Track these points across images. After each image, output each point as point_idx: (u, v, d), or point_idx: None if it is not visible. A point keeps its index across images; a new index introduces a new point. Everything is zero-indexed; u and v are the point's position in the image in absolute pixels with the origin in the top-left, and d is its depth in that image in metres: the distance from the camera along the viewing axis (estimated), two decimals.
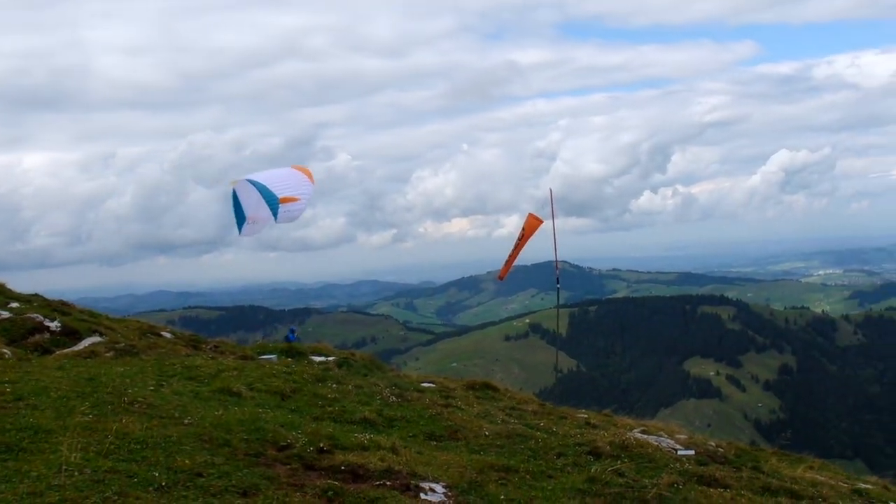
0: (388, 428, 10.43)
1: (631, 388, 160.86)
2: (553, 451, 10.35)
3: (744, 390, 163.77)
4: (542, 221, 17.75)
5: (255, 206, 15.08)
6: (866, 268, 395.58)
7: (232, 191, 15.31)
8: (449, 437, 10.47)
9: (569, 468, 9.73)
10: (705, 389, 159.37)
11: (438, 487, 8.01)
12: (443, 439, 10.37)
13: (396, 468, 8.10)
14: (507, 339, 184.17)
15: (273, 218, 14.65)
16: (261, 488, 7.02)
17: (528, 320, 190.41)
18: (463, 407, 12.66)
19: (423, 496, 7.68)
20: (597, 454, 10.40)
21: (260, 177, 15.47)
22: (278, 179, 15.15)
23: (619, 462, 10.04)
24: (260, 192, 14.64)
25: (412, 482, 7.91)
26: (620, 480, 9.16)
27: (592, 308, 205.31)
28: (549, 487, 8.80)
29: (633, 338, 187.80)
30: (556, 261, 19.24)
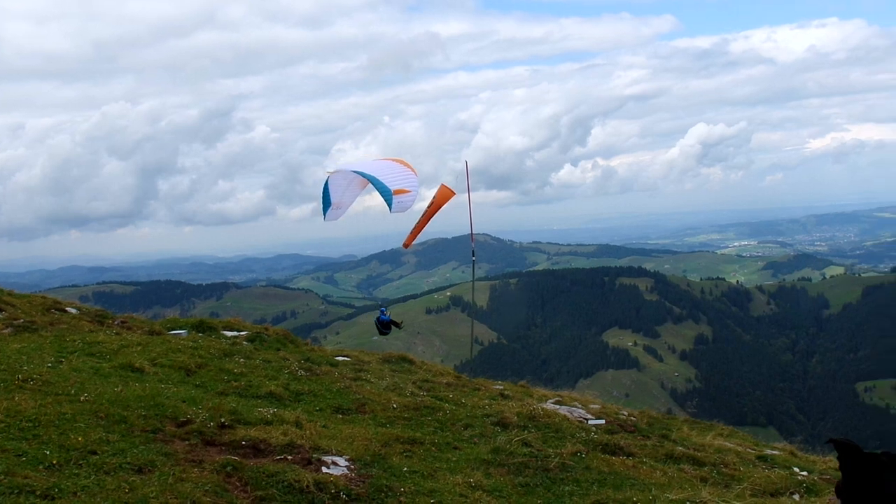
0: (295, 402, 10.32)
1: (551, 360, 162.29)
2: (460, 423, 10.37)
3: (661, 360, 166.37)
4: (454, 193, 17.63)
5: (340, 193, 16.09)
6: (780, 239, 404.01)
7: (326, 179, 16.19)
8: (356, 411, 10.41)
9: (475, 439, 9.76)
10: (623, 360, 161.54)
11: (341, 461, 7.96)
12: (350, 413, 10.30)
13: (299, 442, 8.02)
14: (429, 312, 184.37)
15: (388, 207, 15.27)
16: (157, 464, 6.88)
17: (449, 293, 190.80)
18: (372, 380, 12.61)
19: (325, 469, 7.61)
20: (504, 425, 10.45)
21: (367, 168, 16.10)
22: (388, 172, 15.72)
23: (525, 432, 10.11)
24: (372, 182, 15.38)
25: (314, 456, 7.84)
26: (525, 450, 9.21)
27: (513, 280, 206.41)
28: (454, 458, 8.81)
29: (554, 309, 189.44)
30: (472, 234, 19.23)
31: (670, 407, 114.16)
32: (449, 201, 18.23)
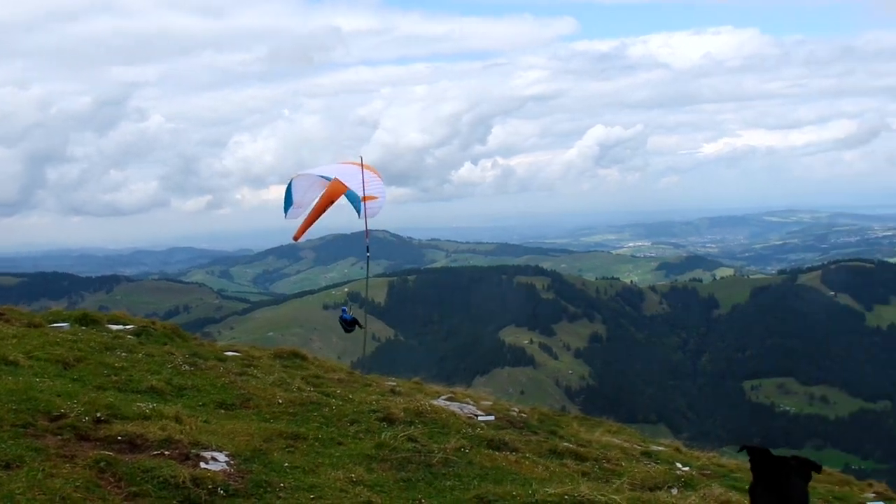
0: (177, 397, 10.11)
1: (448, 357, 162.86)
2: (346, 419, 10.31)
3: (556, 358, 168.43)
4: (346, 187, 17.49)
5: (302, 193, 16.54)
6: (673, 241, 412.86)
7: (290, 181, 16.69)
8: (240, 406, 10.27)
9: (360, 435, 9.71)
10: (520, 357, 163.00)
11: (221, 456, 7.83)
12: (233, 408, 10.16)
13: (177, 437, 7.86)
14: (326, 308, 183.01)
15: (357, 213, 15.97)
16: (26, 460, 6.67)
17: (347, 289, 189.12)
18: (259, 376, 12.44)
19: (203, 465, 7.47)
20: (391, 421, 10.42)
21: (335, 173, 16.53)
22: (356, 178, 16.20)
23: (412, 428, 10.09)
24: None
25: (193, 451, 7.69)
26: (410, 446, 9.20)
27: (412, 278, 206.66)
28: (338, 454, 8.75)
29: (451, 307, 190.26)
30: (366, 230, 19.10)
31: (564, 404, 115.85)
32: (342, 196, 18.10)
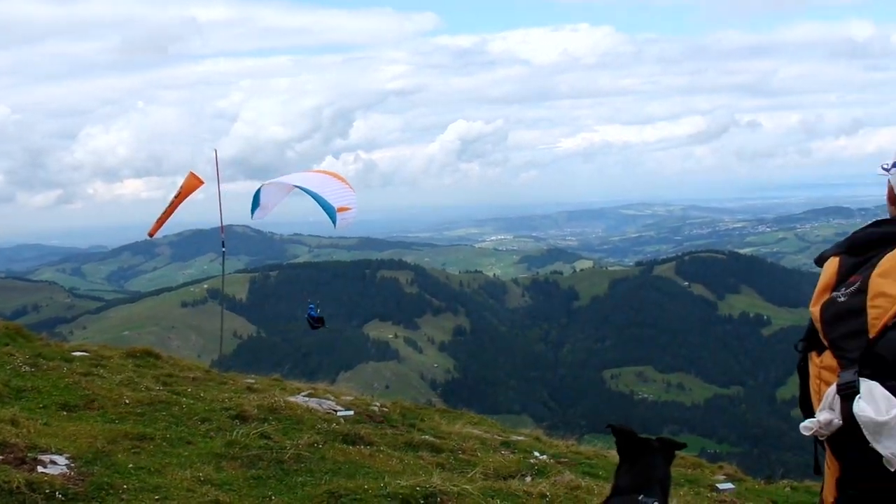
0: (15, 399, 9.69)
1: (312, 353, 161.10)
2: (197, 417, 10.07)
3: (421, 352, 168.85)
4: (202, 182, 17.14)
5: (269, 196, 16.88)
6: (534, 234, 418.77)
7: (259, 186, 16.97)
8: (84, 407, 9.90)
9: (211, 433, 9.50)
10: (384, 352, 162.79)
11: (61, 459, 7.53)
12: (77, 409, 9.79)
13: (13, 441, 7.52)
14: (185, 305, 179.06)
15: (333, 224, 16.34)
16: None
17: (206, 286, 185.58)
18: (105, 375, 12.02)
19: (41, 469, 7.17)
20: (243, 418, 10.23)
21: (308, 183, 16.64)
22: (329, 188, 16.44)
23: (265, 424, 9.94)
24: (316, 200, 16.04)
25: (30, 455, 7.37)
26: (261, 443, 9.04)
27: (274, 273, 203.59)
28: (186, 454, 8.53)
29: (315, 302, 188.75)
30: (221, 225, 18.77)
31: (429, 397, 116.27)
32: (198, 190, 17.73)
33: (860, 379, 3.07)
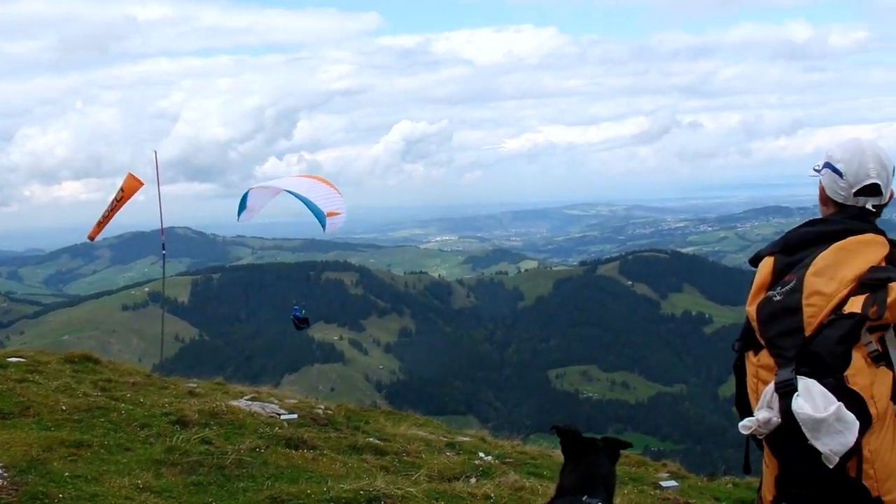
0: None
1: (256, 355, 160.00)
2: (136, 423, 9.89)
3: (366, 353, 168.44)
4: (142, 183, 16.90)
5: (256, 199, 17.13)
6: (479, 234, 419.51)
7: (247, 190, 17.23)
8: (19, 414, 9.67)
9: (151, 439, 9.33)
10: (329, 354, 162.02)
11: None
12: (12, 417, 9.55)
13: None
14: (125, 308, 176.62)
15: (323, 228, 16.58)
16: None
17: (147, 289, 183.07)
18: (41, 382, 11.77)
19: None
20: (184, 423, 10.08)
21: (297, 188, 16.87)
22: (318, 193, 16.64)
23: (206, 429, 9.80)
24: (306, 204, 16.34)
25: None
26: (202, 448, 8.91)
27: (216, 275, 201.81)
28: (124, 461, 8.36)
29: (259, 304, 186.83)
30: (162, 227, 18.52)
31: (374, 399, 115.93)
32: (138, 192, 17.48)
33: (797, 377, 3.12)
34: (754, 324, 3.36)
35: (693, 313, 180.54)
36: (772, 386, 3.19)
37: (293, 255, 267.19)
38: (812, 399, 3.05)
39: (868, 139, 3.66)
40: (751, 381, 3.40)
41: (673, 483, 12.27)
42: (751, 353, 3.40)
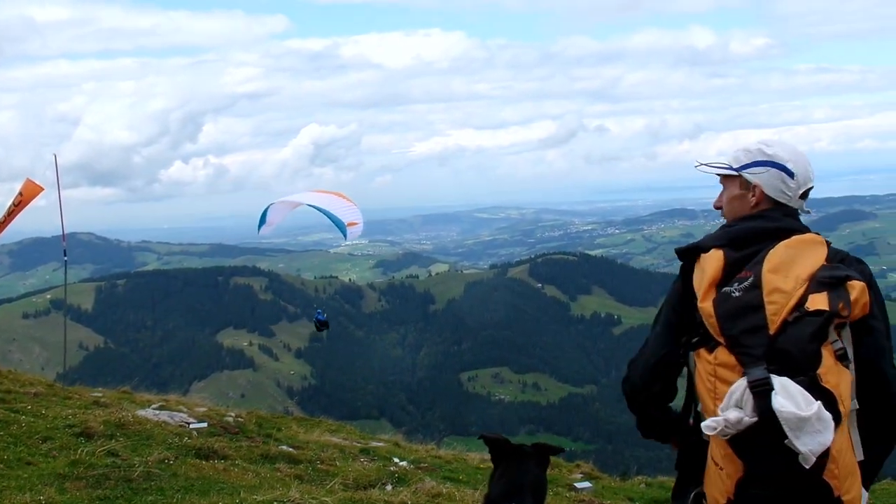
0: None
1: (163, 363, 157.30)
2: (38, 436, 9.52)
3: (277, 359, 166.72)
4: (41, 188, 16.33)
5: (277, 213, 18.00)
6: (390, 238, 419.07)
7: (268, 205, 17.98)
8: None
9: (54, 452, 8.98)
10: (239, 360, 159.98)
11: None
12: None
13: None
14: (26, 316, 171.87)
15: (344, 237, 17.86)
16: None
17: (49, 296, 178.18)
18: None
19: None
20: (89, 435, 9.74)
21: (318, 202, 17.73)
22: (337, 206, 17.64)
23: (113, 441, 9.49)
24: (327, 216, 17.40)
25: None
26: (108, 461, 8.61)
27: (121, 281, 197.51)
28: (26, 475, 8.02)
29: (165, 311, 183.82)
30: (63, 233, 17.96)
31: (286, 405, 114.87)
32: (38, 196, 16.91)
33: (771, 375, 3.05)
34: (711, 320, 3.23)
35: (602, 314, 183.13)
36: (742, 384, 3.07)
37: (200, 261, 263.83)
38: (791, 397, 2.99)
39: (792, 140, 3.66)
40: (706, 381, 3.27)
41: (587, 484, 12.32)
42: (703, 351, 3.28)
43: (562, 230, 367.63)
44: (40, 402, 12.03)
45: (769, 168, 3.58)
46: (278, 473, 9.50)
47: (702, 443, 3.42)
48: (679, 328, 3.48)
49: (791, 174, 3.55)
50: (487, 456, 12.60)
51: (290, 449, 11.04)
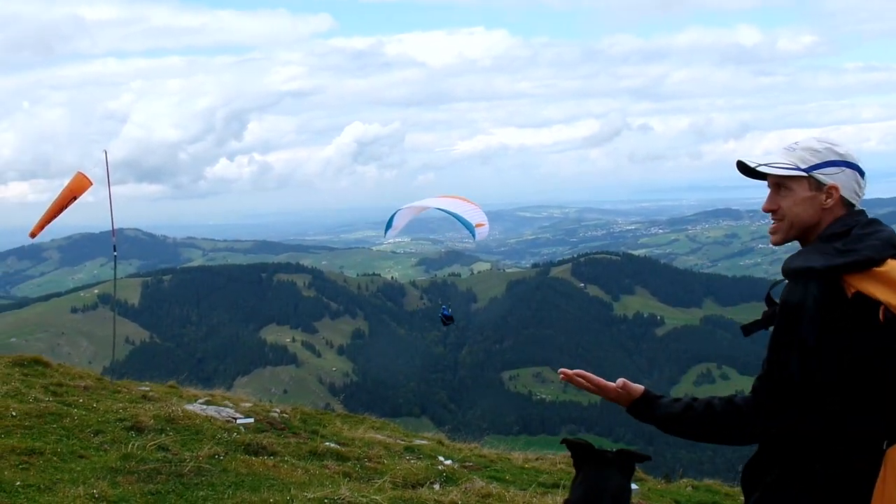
0: None
1: (208, 358, 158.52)
2: (90, 429, 9.59)
3: (319, 356, 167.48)
4: (90, 182, 16.43)
5: (403, 218, 19.32)
6: (432, 236, 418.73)
7: (396, 211, 19.34)
8: None
9: (105, 446, 9.04)
10: (282, 356, 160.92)
11: None
12: None
13: None
14: (75, 311, 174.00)
15: (473, 238, 19.20)
16: None
17: (97, 291, 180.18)
18: None
19: None
20: (139, 429, 9.79)
21: (447, 206, 19.35)
22: (464, 209, 19.14)
23: (163, 436, 9.54)
24: (457, 218, 18.87)
25: None
26: (159, 455, 8.66)
27: (167, 277, 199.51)
28: (78, 468, 8.08)
29: (210, 306, 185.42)
30: (113, 227, 18.07)
31: (328, 402, 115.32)
32: (87, 192, 17.03)
33: None
34: None
35: (645, 315, 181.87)
36: None
37: (244, 257, 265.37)
38: None
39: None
40: None
41: (633, 486, 12.21)
42: None
43: (605, 229, 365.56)
44: (91, 396, 12.14)
45: (844, 168, 3.36)
46: (326, 470, 9.49)
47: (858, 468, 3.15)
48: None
49: (863, 174, 3.38)
50: (531, 455, 12.53)
51: (337, 446, 11.03)
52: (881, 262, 3.07)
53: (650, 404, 3.76)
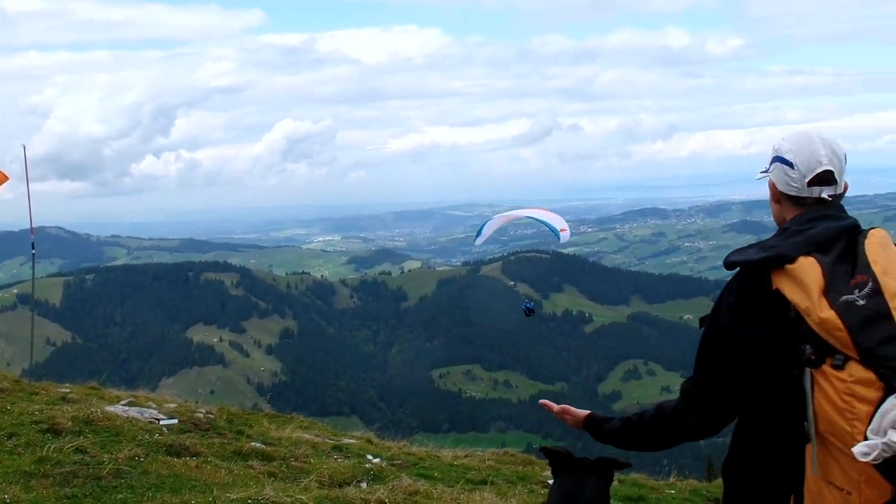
0: None
1: (132, 359, 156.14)
2: (3, 432, 9.26)
3: (247, 355, 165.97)
4: (7, 178, 15.98)
5: (491, 227, 21.16)
6: (362, 235, 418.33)
7: (487, 219, 21.56)
8: None
9: (19, 449, 8.73)
10: (209, 356, 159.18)
11: None
12: None
13: None
14: None
15: (558, 240, 21.33)
16: None
17: (15, 291, 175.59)
18: None
19: None
20: (56, 431, 9.49)
21: (534, 213, 22.02)
22: (549, 216, 21.69)
23: (81, 438, 9.25)
24: (544, 224, 21.32)
25: None
26: (76, 458, 8.39)
27: (90, 276, 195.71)
28: None
29: (135, 306, 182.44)
30: (31, 225, 17.60)
31: (256, 402, 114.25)
32: (4, 189, 16.56)
33: None
34: (839, 333, 2.85)
35: (573, 312, 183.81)
36: None
37: (171, 256, 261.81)
38: None
39: (815, 129, 3.46)
40: (837, 400, 2.86)
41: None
42: (827, 368, 2.89)
43: (535, 228, 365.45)
44: (6, 398, 11.75)
45: (775, 164, 3.43)
46: (251, 471, 9.30)
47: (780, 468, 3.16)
48: (765, 356, 3.15)
49: (791, 164, 3.36)
50: (461, 452, 12.45)
51: (263, 446, 10.84)
52: (793, 259, 3.08)
53: (596, 426, 3.91)
